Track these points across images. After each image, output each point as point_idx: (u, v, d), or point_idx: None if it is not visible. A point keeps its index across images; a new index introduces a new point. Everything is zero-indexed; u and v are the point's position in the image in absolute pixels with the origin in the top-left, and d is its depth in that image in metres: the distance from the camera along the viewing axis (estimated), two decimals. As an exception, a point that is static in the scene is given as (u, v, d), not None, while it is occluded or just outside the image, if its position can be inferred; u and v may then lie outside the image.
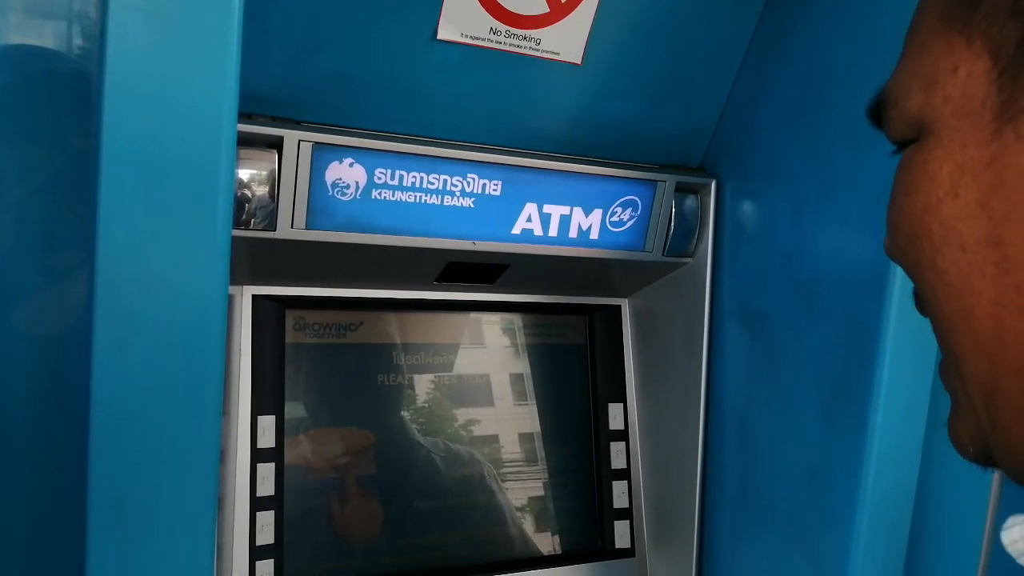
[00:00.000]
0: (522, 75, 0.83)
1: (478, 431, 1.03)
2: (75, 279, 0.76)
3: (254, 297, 0.90)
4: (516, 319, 1.07)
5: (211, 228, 0.60)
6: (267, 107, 0.76)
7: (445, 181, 0.85)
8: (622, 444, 1.09)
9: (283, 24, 0.72)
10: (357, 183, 0.81)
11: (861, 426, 0.80)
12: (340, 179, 0.80)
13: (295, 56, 0.75)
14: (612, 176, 0.93)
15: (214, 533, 0.63)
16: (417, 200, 0.84)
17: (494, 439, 1.04)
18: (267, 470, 0.88)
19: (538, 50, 0.82)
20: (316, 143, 0.78)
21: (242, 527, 0.86)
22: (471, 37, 0.78)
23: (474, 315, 1.05)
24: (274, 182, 0.76)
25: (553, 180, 0.90)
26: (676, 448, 1.04)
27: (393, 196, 0.83)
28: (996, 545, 0.99)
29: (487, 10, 0.78)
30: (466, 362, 1.04)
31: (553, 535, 1.05)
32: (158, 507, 0.60)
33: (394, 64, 0.78)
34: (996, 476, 0.97)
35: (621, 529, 1.07)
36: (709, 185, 0.99)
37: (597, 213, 0.94)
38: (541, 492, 1.05)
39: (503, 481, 1.03)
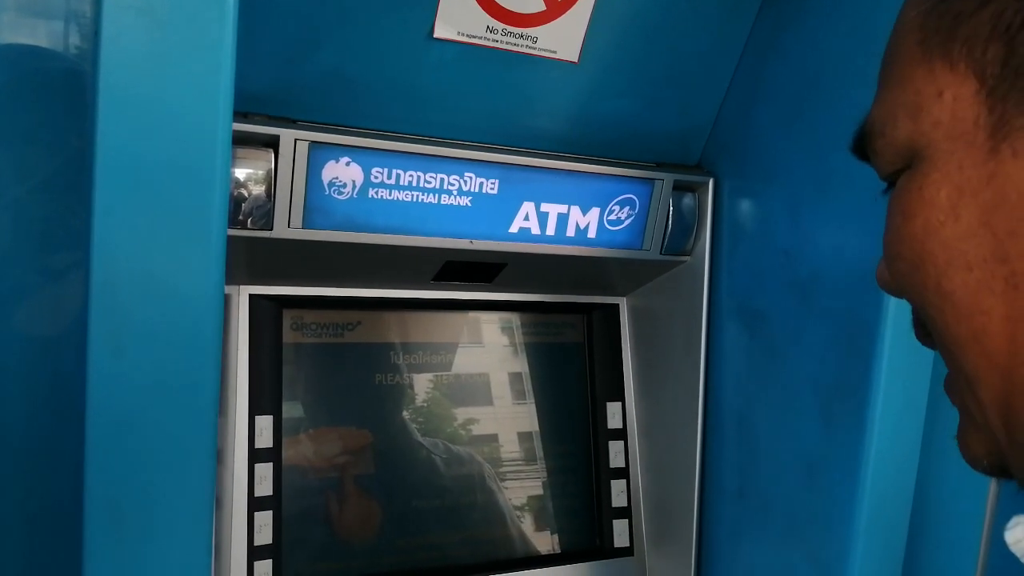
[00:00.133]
0: (519, 74, 0.83)
1: (477, 430, 1.03)
2: (72, 279, 0.76)
3: (251, 297, 0.90)
4: (514, 318, 1.07)
5: (206, 228, 0.60)
6: (263, 106, 0.76)
7: (442, 180, 0.85)
8: (620, 443, 1.09)
9: (278, 23, 0.72)
10: (354, 182, 0.81)
11: (859, 424, 0.80)
12: (337, 178, 0.80)
13: (291, 55, 0.74)
14: (609, 174, 0.93)
15: (211, 534, 0.63)
16: (414, 199, 0.84)
17: (493, 438, 1.04)
18: (265, 470, 0.88)
19: (535, 48, 0.82)
20: (312, 142, 0.77)
21: (240, 527, 0.86)
22: (468, 35, 0.78)
23: (472, 314, 1.05)
24: (270, 181, 0.76)
25: (550, 179, 0.90)
26: (675, 447, 1.04)
27: (390, 195, 0.83)
28: (995, 542, 0.99)
29: (484, 8, 0.78)
30: (464, 361, 1.03)
31: (552, 534, 1.05)
32: (155, 508, 0.60)
33: (390, 63, 0.78)
34: (995, 474, 0.97)
35: (620, 528, 1.07)
36: (707, 183, 0.99)
37: (595, 211, 0.94)
38: (540, 491, 1.05)
39: (502, 480, 1.03)
